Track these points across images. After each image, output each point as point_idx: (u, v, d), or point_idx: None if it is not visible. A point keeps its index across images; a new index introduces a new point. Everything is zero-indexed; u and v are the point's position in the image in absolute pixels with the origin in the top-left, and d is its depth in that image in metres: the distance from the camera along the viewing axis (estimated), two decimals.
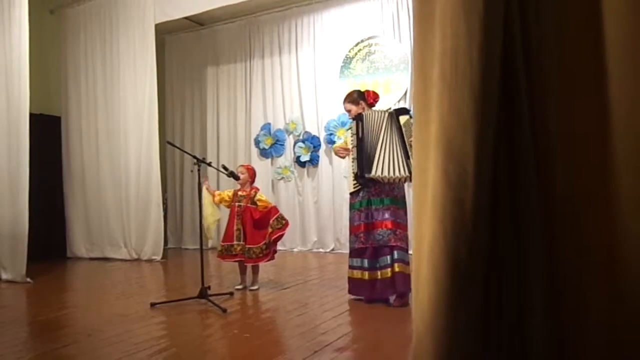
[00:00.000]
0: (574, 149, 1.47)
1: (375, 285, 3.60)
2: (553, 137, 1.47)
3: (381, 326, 3.11)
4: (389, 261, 3.55)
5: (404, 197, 3.71)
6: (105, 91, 6.69)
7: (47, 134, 6.64)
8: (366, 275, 3.62)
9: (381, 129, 3.60)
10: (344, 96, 3.94)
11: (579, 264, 1.46)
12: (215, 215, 4.27)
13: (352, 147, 3.70)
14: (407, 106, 5.65)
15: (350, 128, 3.81)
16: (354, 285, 3.73)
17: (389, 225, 3.56)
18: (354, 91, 3.94)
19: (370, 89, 4.28)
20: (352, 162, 3.70)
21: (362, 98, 3.83)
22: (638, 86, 1.34)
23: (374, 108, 3.85)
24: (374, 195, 3.64)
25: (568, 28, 1.40)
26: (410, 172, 3.50)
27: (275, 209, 4.23)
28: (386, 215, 3.58)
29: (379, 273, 3.59)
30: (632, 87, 1.35)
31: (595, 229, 1.44)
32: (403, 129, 3.57)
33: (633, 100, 1.35)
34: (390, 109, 4.53)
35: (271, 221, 4.12)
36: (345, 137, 4.11)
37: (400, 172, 3.52)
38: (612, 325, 1.41)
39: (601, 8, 1.35)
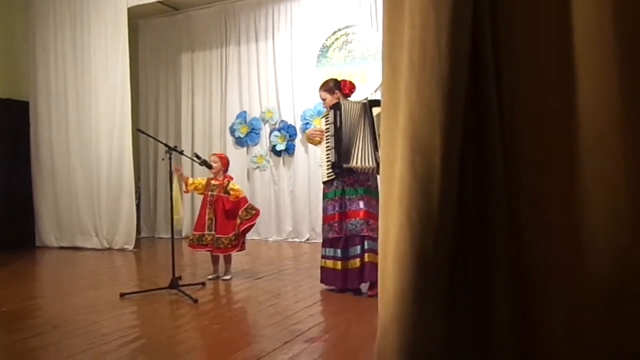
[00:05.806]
0: (542, 144, 1.47)
1: (347, 275, 3.62)
2: (521, 132, 1.48)
3: (353, 316, 3.12)
4: (358, 251, 3.56)
5: (377, 187, 3.68)
6: (76, 76, 6.49)
7: (14, 119, 6.44)
8: (339, 265, 3.62)
9: (358, 120, 3.60)
10: (320, 84, 3.91)
11: (544, 258, 1.47)
12: (178, 213, 4.12)
13: (329, 136, 3.68)
14: None
15: (326, 116, 3.77)
16: (327, 275, 3.73)
17: (362, 215, 3.56)
18: (330, 80, 3.92)
19: (347, 78, 4.25)
20: (327, 151, 3.68)
21: (337, 87, 3.81)
22: (604, 84, 1.35)
23: (349, 98, 3.83)
24: (348, 185, 3.63)
25: (537, 23, 1.40)
26: (377, 164, 3.50)
27: (244, 200, 4.19)
28: (360, 205, 3.58)
29: (349, 263, 3.60)
30: (599, 85, 1.35)
31: (560, 225, 1.45)
32: (375, 120, 3.56)
33: (599, 97, 1.36)
34: (366, 98, 4.51)
35: (240, 212, 4.09)
36: (319, 125, 4.05)
37: (369, 163, 3.54)
38: (575, 321, 1.43)
39: (570, 3, 1.35)
